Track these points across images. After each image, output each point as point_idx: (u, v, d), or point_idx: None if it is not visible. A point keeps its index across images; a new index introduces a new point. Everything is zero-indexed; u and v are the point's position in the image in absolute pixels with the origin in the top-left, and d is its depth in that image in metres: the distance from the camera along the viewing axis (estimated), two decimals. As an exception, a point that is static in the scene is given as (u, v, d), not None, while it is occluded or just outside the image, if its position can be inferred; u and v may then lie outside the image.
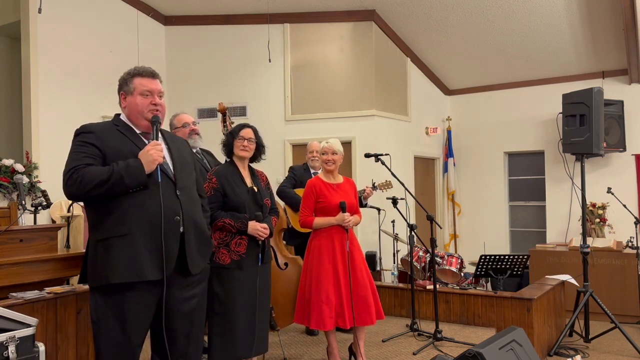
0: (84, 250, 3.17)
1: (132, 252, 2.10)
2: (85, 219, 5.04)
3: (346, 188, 3.52)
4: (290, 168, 4.57)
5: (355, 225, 3.54)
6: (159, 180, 2.17)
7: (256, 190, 3.05)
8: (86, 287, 2.79)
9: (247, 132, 3.07)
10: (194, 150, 3.64)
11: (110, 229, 2.11)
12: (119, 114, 2.34)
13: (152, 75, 2.30)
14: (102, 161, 2.16)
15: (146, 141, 2.28)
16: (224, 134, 3.71)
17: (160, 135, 2.32)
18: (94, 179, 2.06)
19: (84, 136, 2.18)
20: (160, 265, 2.13)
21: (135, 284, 2.10)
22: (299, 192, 4.28)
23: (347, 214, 3.35)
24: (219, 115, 3.86)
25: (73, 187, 2.08)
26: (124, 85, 2.29)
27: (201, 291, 2.37)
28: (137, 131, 2.29)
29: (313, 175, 4.46)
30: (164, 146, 2.28)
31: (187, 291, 2.28)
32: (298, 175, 4.44)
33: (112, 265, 2.09)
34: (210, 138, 3.91)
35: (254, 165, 3.22)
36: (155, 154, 2.15)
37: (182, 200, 2.25)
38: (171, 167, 2.29)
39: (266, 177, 3.24)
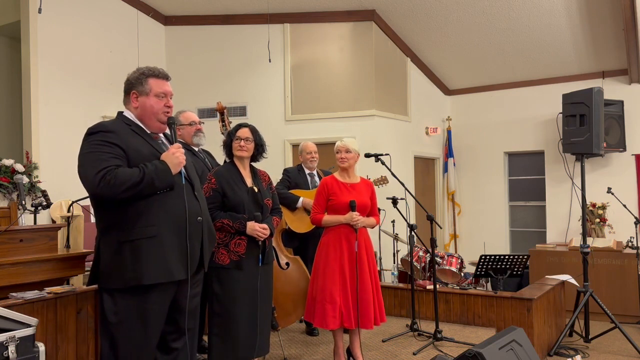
0: (88, 251, 3.18)
1: (162, 253, 2.11)
2: (86, 219, 5.03)
3: (361, 189, 3.47)
4: (285, 170, 4.55)
5: (368, 227, 3.49)
6: (183, 182, 2.20)
7: (256, 190, 3.04)
8: (87, 287, 2.78)
9: (243, 132, 3.05)
10: (196, 149, 3.64)
11: (138, 230, 2.10)
12: (121, 112, 2.32)
13: (165, 77, 2.31)
14: (126, 162, 2.14)
15: (158, 142, 2.30)
16: (222, 133, 3.70)
17: (166, 138, 2.34)
18: (126, 181, 2.05)
19: (105, 135, 2.14)
20: (185, 265, 2.17)
21: (158, 285, 2.12)
22: (298, 193, 4.27)
23: (356, 213, 3.32)
24: (217, 114, 3.83)
25: (105, 189, 2.05)
26: (138, 85, 2.26)
27: (201, 288, 2.44)
28: (147, 132, 2.30)
29: (308, 177, 4.46)
30: None
31: (193, 289, 2.33)
32: (292, 177, 4.41)
33: (142, 266, 2.09)
34: (210, 138, 3.90)
35: (255, 164, 3.20)
36: (181, 156, 2.18)
37: (200, 201, 2.30)
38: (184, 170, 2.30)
39: (268, 177, 3.22)
